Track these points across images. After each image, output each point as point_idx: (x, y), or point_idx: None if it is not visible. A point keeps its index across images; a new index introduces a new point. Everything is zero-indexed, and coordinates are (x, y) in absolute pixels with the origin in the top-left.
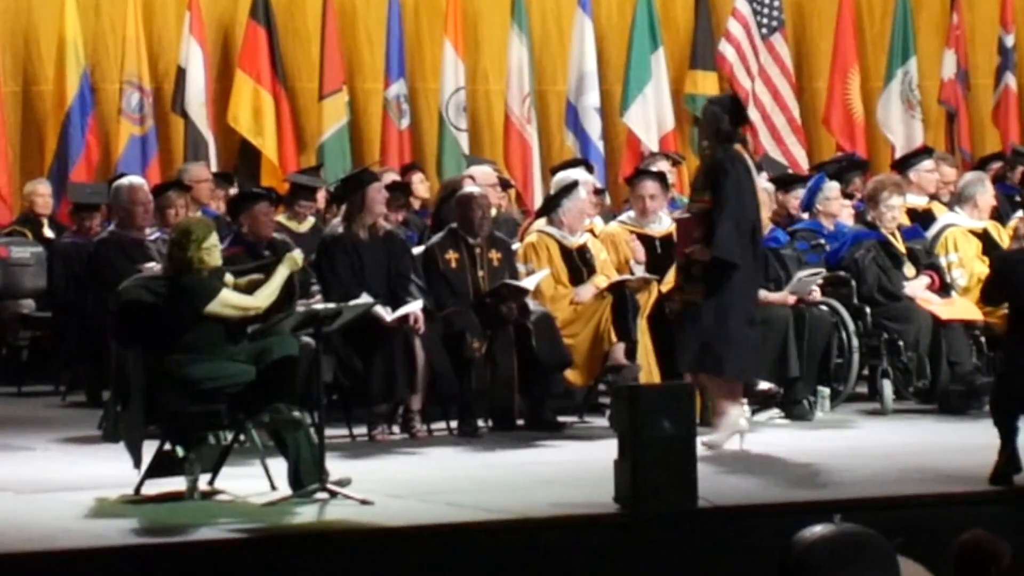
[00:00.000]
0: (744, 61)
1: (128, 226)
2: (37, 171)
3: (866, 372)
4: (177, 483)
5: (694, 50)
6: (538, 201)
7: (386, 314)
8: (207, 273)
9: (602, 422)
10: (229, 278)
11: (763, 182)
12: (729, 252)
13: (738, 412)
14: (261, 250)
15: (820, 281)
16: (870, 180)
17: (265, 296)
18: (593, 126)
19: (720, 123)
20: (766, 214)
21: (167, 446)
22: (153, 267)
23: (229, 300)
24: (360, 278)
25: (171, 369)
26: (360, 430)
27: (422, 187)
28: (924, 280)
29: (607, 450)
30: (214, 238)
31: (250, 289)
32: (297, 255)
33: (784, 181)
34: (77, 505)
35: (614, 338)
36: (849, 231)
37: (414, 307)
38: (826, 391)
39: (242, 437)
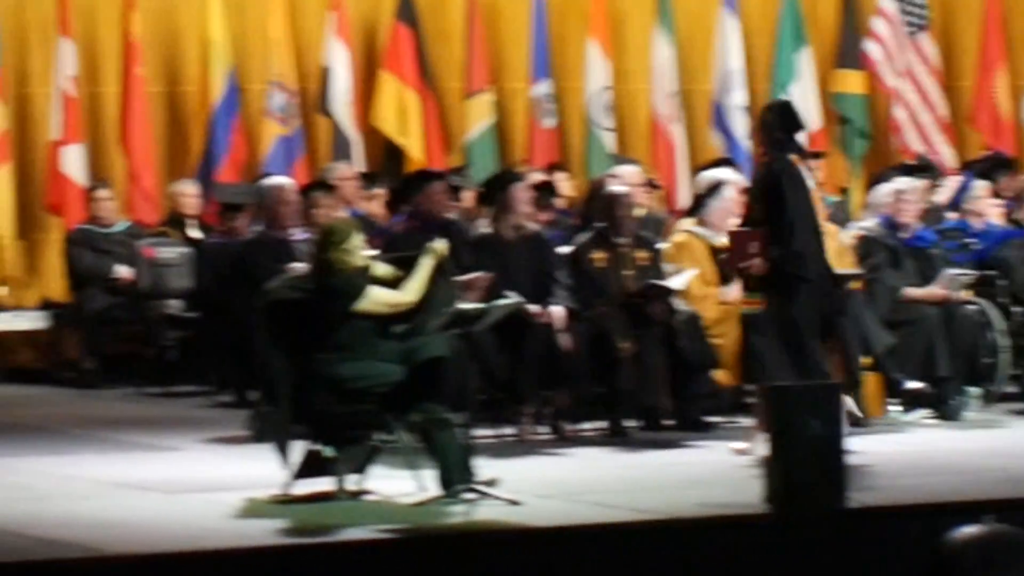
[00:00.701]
0: (890, 60)
1: (275, 226)
2: (183, 171)
3: (1016, 371)
4: (326, 483)
5: (839, 49)
6: (683, 200)
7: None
8: (352, 272)
9: (750, 422)
10: (380, 267)
11: (909, 181)
12: (798, 266)
13: None
14: (436, 229)
15: (969, 280)
16: (1018, 178)
17: (414, 290)
18: (739, 125)
19: (774, 131)
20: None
21: (315, 446)
22: (299, 267)
23: (379, 297)
24: (506, 278)
25: (319, 369)
26: (508, 430)
27: (567, 186)
28: None
29: (756, 450)
30: (357, 239)
31: (394, 283)
32: (439, 245)
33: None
34: (225, 505)
35: None
36: (998, 230)
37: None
38: (975, 391)
39: (390, 437)
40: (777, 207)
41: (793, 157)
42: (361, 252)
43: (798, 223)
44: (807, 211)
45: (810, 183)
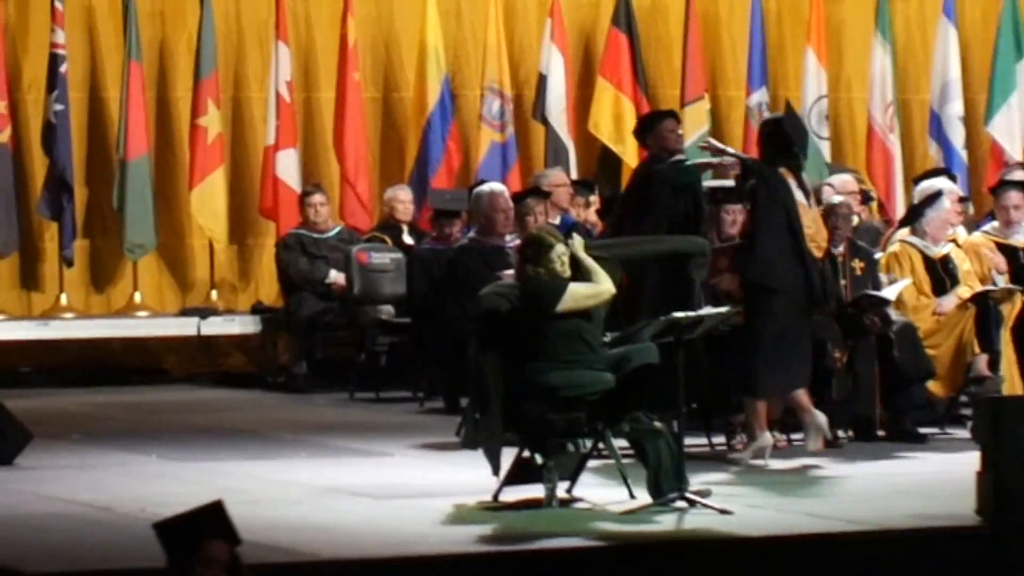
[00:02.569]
0: None
1: (488, 233)
2: (397, 177)
3: None
4: (535, 490)
5: None
6: (900, 210)
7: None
8: (553, 277)
9: (964, 434)
10: (578, 241)
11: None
12: (762, 275)
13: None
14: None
15: None
16: None
17: (606, 279)
18: (956, 135)
19: (767, 143)
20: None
21: (525, 453)
22: (512, 274)
23: (578, 292)
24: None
25: (530, 376)
26: (719, 439)
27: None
28: None
29: (969, 462)
30: (560, 248)
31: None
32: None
33: None
34: (435, 511)
35: (977, 349)
36: None
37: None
38: None
39: (601, 445)
40: (752, 217)
41: (782, 169)
42: (566, 263)
43: (766, 233)
44: (782, 222)
45: (800, 198)
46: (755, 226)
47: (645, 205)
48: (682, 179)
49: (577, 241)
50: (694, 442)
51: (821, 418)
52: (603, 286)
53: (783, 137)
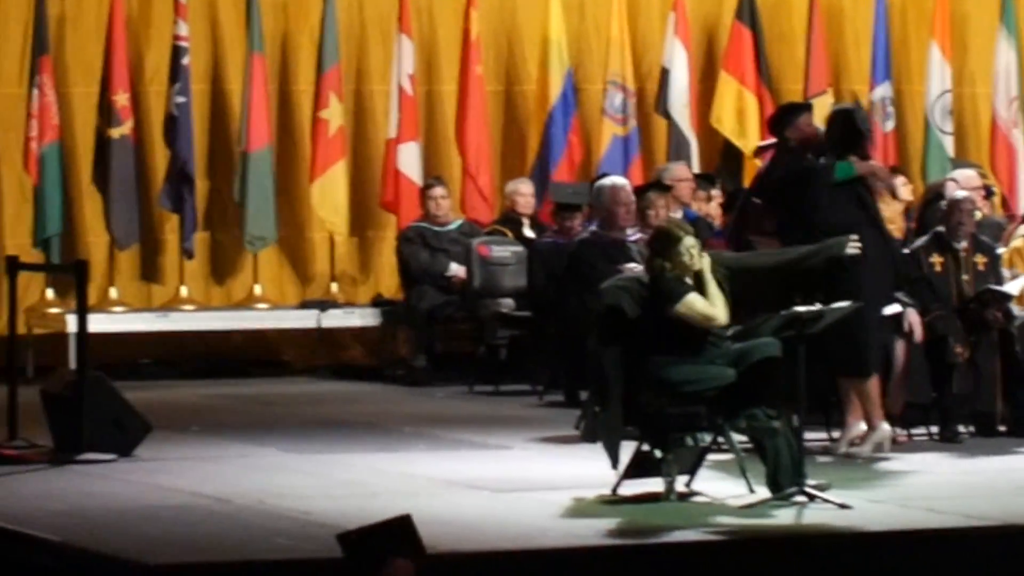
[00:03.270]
0: None
1: (610, 226)
2: (519, 170)
3: None
4: (654, 484)
5: None
6: (1023, 206)
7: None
8: (680, 274)
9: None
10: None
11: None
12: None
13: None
14: (804, 155)
15: None
16: None
17: (722, 308)
18: None
19: (839, 132)
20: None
21: (645, 447)
22: (633, 267)
23: (695, 304)
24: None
25: (651, 371)
26: (839, 434)
27: (904, 190)
28: None
29: None
30: (689, 241)
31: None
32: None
33: None
34: (554, 505)
35: None
36: None
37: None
38: None
39: (720, 439)
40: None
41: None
42: (695, 255)
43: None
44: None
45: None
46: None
47: (807, 203)
48: (843, 175)
49: (705, 261)
50: (814, 436)
51: (886, 430)
52: (718, 312)
53: (853, 129)
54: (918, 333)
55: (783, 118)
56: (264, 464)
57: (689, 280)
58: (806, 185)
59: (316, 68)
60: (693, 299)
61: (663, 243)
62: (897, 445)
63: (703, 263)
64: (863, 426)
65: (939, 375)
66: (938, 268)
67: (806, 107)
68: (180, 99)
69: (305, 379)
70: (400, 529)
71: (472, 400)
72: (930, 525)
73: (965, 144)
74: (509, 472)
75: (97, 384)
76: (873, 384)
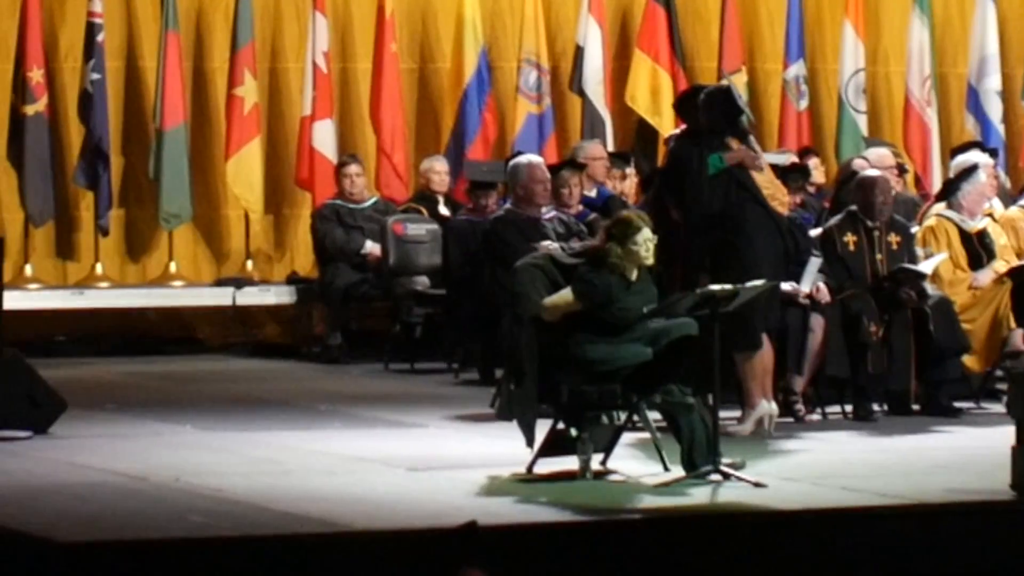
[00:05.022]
0: None
1: (524, 204)
2: (433, 149)
3: None
4: (570, 462)
5: None
6: (937, 184)
7: (796, 288)
8: (622, 265)
9: (999, 408)
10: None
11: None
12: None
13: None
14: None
15: None
16: None
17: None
18: (994, 109)
19: (708, 117)
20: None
21: (560, 425)
22: (548, 245)
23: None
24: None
25: (568, 350)
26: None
27: (817, 173)
28: None
29: (1004, 437)
30: (647, 234)
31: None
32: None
33: None
34: (469, 483)
35: (1013, 323)
36: None
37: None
38: None
39: (635, 417)
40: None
41: (732, 140)
42: (650, 250)
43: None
44: (738, 195)
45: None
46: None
47: (689, 193)
48: (714, 170)
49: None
50: (729, 415)
51: (766, 408)
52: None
53: (730, 106)
54: (825, 295)
55: (689, 100)
56: (179, 442)
57: (631, 273)
58: (684, 175)
59: (231, 45)
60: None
61: (622, 229)
62: (808, 423)
63: (651, 260)
64: (768, 405)
65: (853, 354)
66: (852, 247)
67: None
68: (95, 76)
69: (220, 357)
70: (469, 538)
71: (387, 378)
72: (844, 503)
73: (879, 123)
74: (424, 450)
75: (12, 361)
76: (758, 361)
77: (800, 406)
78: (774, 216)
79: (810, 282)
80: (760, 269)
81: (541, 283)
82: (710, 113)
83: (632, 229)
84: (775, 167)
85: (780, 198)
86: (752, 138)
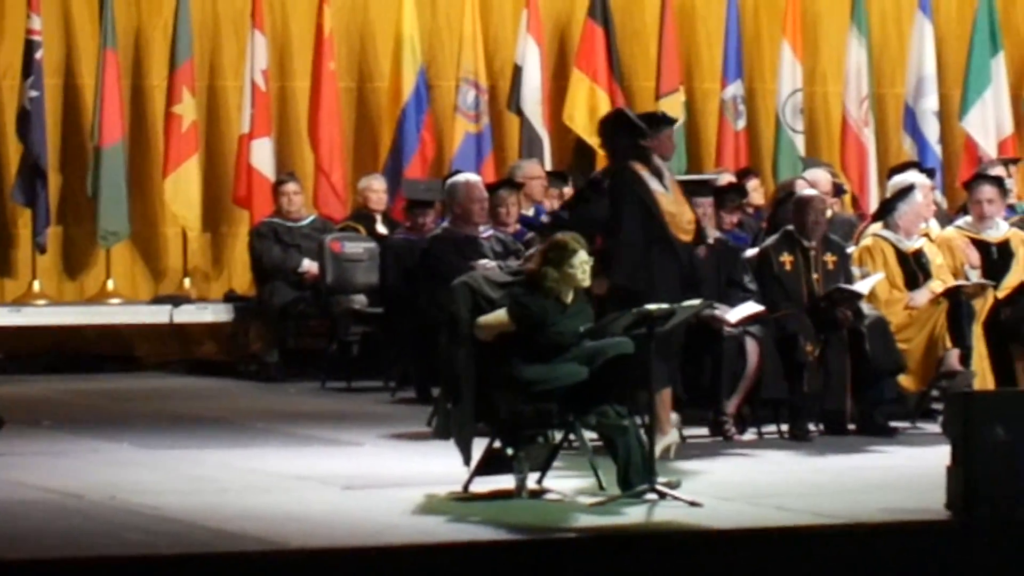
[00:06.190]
0: None
1: (462, 223)
2: (371, 167)
3: None
4: (506, 481)
5: None
6: (874, 204)
7: (729, 316)
8: (557, 288)
9: (935, 428)
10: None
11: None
12: (627, 279)
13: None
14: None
15: None
16: None
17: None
18: (931, 130)
19: (609, 141)
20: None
21: (496, 444)
22: (486, 263)
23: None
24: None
25: (504, 369)
26: (689, 431)
27: (757, 195)
28: None
29: (939, 456)
30: (583, 256)
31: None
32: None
33: None
34: (405, 501)
35: (948, 343)
36: None
37: (755, 308)
38: None
39: (572, 437)
40: (612, 221)
41: (635, 164)
42: (586, 272)
43: (629, 234)
44: (641, 218)
45: (656, 186)
46: (616, 228)
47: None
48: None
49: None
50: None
51: (675, 435)
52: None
53: (632, 128)
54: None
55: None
56: (116, 459)
57: (567, 296)
58: (588, 202)
59: (169, 63)
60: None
61: (558, 252)
62: (738, 443)
63: (588, 282)
64: (675, 434)
65: (789, 373)
66: (788, 267)
67: (668, 121)
68: (33, 93)
69: (157, 374)
70: None
71: (324, 396)
72: (779, 523)
73: (816, 143)
74: (360, 468)
75: None
76: (667, 391)
77: (730, 426)
78: (673, 242)
79: (739, 315)
80: (656, 296)
81: (469, 301)
82: (619, 137)
83: (568, 252)
84: (716, 187)
85: (683, 225)
86: (656, 158)
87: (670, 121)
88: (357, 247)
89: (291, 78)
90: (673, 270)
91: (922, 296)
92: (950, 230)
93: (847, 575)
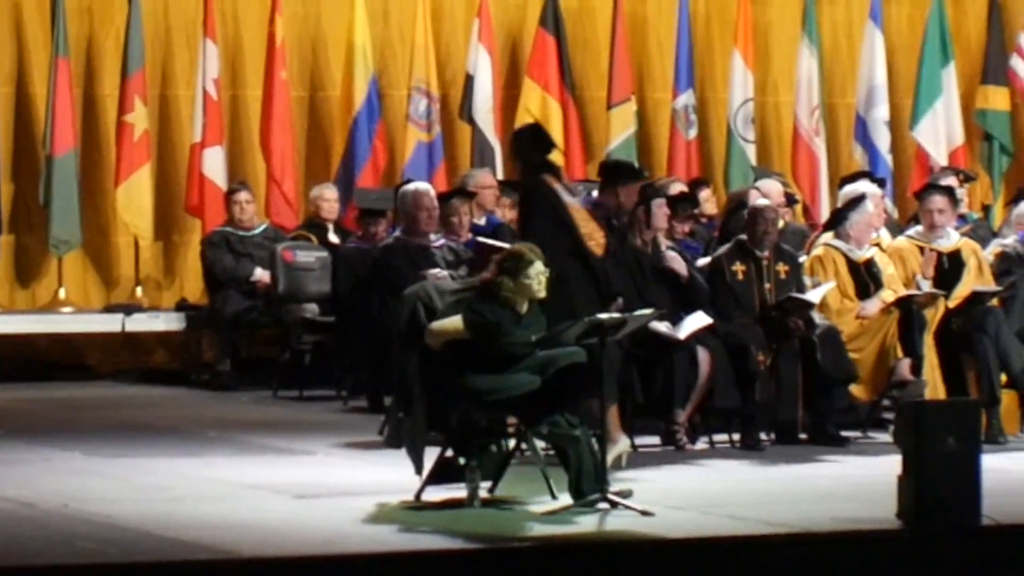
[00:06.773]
0: None
1: (414, 232)
2: (323, 176)
3: None
4: (458, 490)
5: (985, 65)
6: (825, 214)
7: (675, 332)
8: (512, 298)
9: (886, 437)
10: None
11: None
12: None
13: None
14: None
15: None
16: None
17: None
18: (882, 139)
19: (527, 153)
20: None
21: (448, 453)
22: (437, 273)
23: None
24: (643, 292)
25: (456, 379)
26: (642, 440)
27: (709, 205)
28: None
29: (890, 466)
30: (539, 267)
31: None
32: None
33: None
34: (357, 510)
35: (900, 353)
36: None
37: (704, 321)
38: None
39: (523, 446)
40: (528, 230)
41: (548, 177)
42: (542, 283)
43: (546, 249)
44: (554, 232)
45: (569, 199)
46: (531, 237)
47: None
48: None
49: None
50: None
51: (625, 443)
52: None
53: (543, 142)
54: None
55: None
56: (68, 468)
57: (521, 306)
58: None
59: (121, 72)
60: (443, 325)
61: (514, 263)
62: (686, 452)
63: (543, 293)
64: (626, 442)
65: (741, 383)
66: (740, 276)
67: (639, 175)
68: None
69: (109, 383)
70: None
71: (276, 405)
72: (731, 532)
73: (767, 152)
74: (312, 477)
75: None
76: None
77: (682, 435)
78: (588, 257)
79: (688, 331)
80: (572, 311)
81: (420, 311)
82: (533, 150)
83: (524, 263)
84: (668, 196)
85: (596, 238)
86: (563, 173)
87: (640, 175)
88: (309, 256)
89: (243, 87)
90: (586, 281)
91: (873, 306)
92: (901, 240)
93: None
